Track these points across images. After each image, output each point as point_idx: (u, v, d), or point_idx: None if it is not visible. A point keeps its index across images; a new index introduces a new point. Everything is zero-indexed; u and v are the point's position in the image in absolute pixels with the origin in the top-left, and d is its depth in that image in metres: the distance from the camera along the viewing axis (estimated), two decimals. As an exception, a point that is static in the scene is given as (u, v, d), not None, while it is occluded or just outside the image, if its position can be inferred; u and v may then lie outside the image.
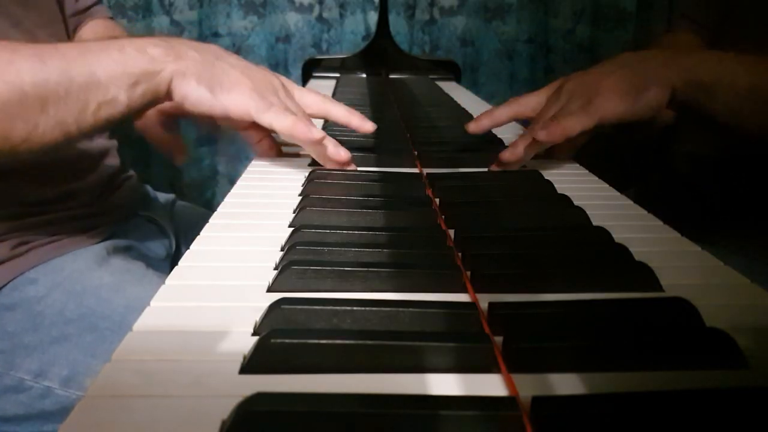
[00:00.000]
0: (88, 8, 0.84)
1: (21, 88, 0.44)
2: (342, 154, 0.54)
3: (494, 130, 0.76)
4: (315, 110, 0.59)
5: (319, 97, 0.60)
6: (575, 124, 0.51)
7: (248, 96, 0.50)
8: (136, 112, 0.50)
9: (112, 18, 0.87)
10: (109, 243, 0.70)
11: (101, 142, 0.78)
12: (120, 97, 0.48)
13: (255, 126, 0.54)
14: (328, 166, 0.56)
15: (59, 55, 0.46)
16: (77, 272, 0.63)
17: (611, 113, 0.51)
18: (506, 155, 0.54)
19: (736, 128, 0.52)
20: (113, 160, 0.79)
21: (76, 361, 0.60)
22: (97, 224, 0.70)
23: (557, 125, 0.51)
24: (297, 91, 0.59)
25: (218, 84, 0.49)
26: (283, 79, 0.59)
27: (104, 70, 0.47)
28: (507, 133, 0.76)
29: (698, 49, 0.56)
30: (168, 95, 0.50)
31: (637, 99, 0.50)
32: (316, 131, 0.51)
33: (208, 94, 0.49)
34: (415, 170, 0.54)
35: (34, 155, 0.47)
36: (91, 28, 0.83)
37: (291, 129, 0.51)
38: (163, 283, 0.34)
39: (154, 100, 0.50)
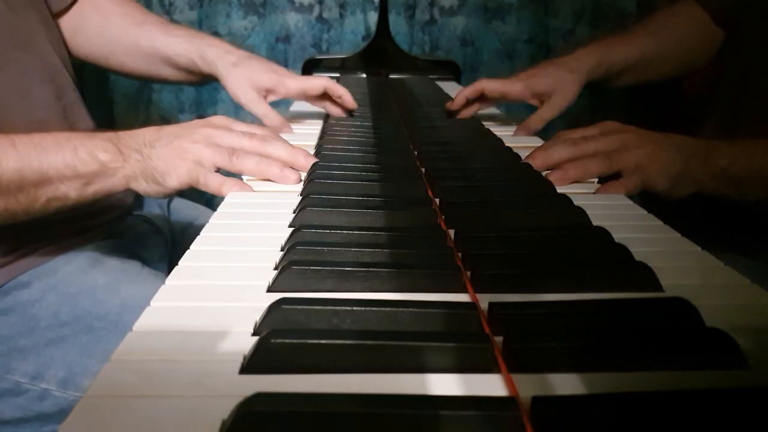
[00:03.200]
0: None
1: None
2: (290, 176, 0.55)
3: (494, 130, 0.77)
4: (254, 151, 0.56)
5: (255, 142, 0.55)
6: (626, 188, 0.55)
7: (185, 172, 0.53)
8: (87, 202, 0.56)
9: None
10: (102, 244, 0.69)
11: None
12: (70, 194, 0.54)
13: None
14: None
15: (15, 153, 0.51)
16: (70, 274, 0.63)
17: (653, 188, 0.56)
18: (556, 179, 0.55)
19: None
20: None
21: (72, 363, 0.59)
22: (90, 226, 0.70)
23: (616, 187, 0.55)
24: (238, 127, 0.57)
25: (159, 174, 0.53)
26: (222, 120, 0.57)
27: (56, 171, 0.52)
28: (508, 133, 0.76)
29: (729, 143, 0.58)
30: (125, 190, 0.56)
31: (673, 187, 0.56)
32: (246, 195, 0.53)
33: (156, 186, 0.54)
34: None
35: None
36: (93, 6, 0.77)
37: (219, 193, 0.53)
38: (159, 282, 0.35)
39: (108, 195, 0.56)
